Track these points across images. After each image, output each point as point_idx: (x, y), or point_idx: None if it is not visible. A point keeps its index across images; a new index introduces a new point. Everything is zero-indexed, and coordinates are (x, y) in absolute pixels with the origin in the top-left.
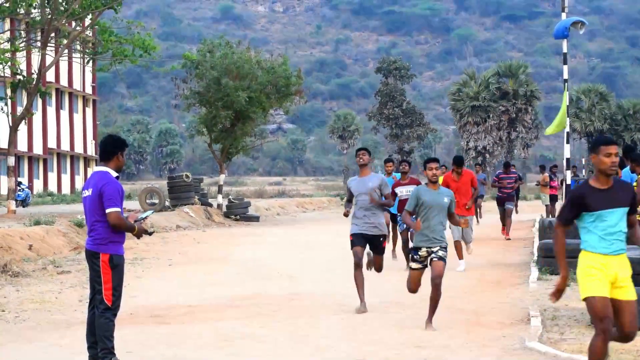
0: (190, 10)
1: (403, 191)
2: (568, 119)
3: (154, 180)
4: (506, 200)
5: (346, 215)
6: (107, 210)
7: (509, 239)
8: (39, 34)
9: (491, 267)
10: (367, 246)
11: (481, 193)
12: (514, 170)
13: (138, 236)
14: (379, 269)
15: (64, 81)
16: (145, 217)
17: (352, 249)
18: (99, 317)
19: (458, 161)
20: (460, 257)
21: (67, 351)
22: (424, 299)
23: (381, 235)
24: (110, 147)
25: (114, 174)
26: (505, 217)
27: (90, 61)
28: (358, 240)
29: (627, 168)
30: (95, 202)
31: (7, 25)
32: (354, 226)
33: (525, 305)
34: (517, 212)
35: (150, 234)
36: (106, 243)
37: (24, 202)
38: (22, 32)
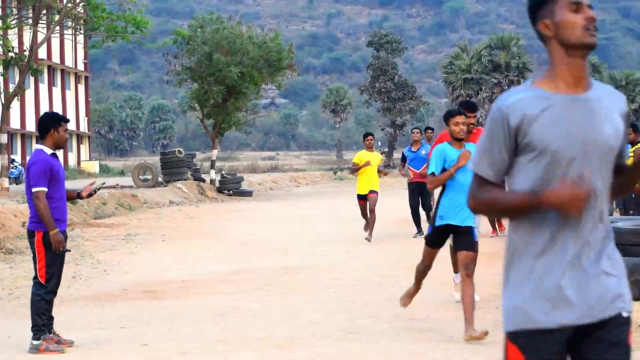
0: None
1: None
2: None
3: (147, 156)
4: None
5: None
6: (32, 190)
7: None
8: (31, 11)
9: (483, 238)
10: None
11: None
12: None
13: (55, 241)
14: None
15: (56, 58)
16: (98, 189)
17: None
18: (32, 294)
19: (470, 106)
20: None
21: (60, 328)
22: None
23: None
24: (45, 125)
25: (49, 151)
26: None
27: (82, 38)
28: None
29: None
30: (27, 180)
31: None
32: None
33: None
34: None
35: (66, 251)
36: (40, 221)
37: (17, 180)
38: (14, 9)
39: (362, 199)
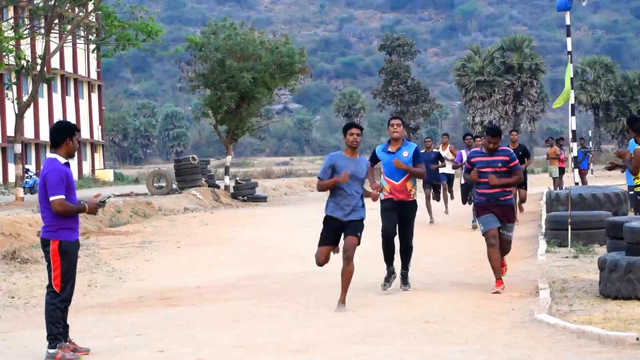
0: None
1: None
2: (573, 91)
3: (161, 163)
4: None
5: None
6: (50, 199)
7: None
8: (43, 20)
9: None
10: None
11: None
12: (504, 148)
13: (92, 213)
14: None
15: (68, 67)
16: (105, 201)
17: None
18: (47, 303)
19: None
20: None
21: (76, 336)
22: (432, 274)
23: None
24: (59, 134)
25: (63, 160)
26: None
27: (95, 48)
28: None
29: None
30: (42, 190)
31: (11, 12)
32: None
33: (534, 277)
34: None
35: (102, 204)
36: (55, 230)
37: (31, 189)
38: (26, 19)
39: None
